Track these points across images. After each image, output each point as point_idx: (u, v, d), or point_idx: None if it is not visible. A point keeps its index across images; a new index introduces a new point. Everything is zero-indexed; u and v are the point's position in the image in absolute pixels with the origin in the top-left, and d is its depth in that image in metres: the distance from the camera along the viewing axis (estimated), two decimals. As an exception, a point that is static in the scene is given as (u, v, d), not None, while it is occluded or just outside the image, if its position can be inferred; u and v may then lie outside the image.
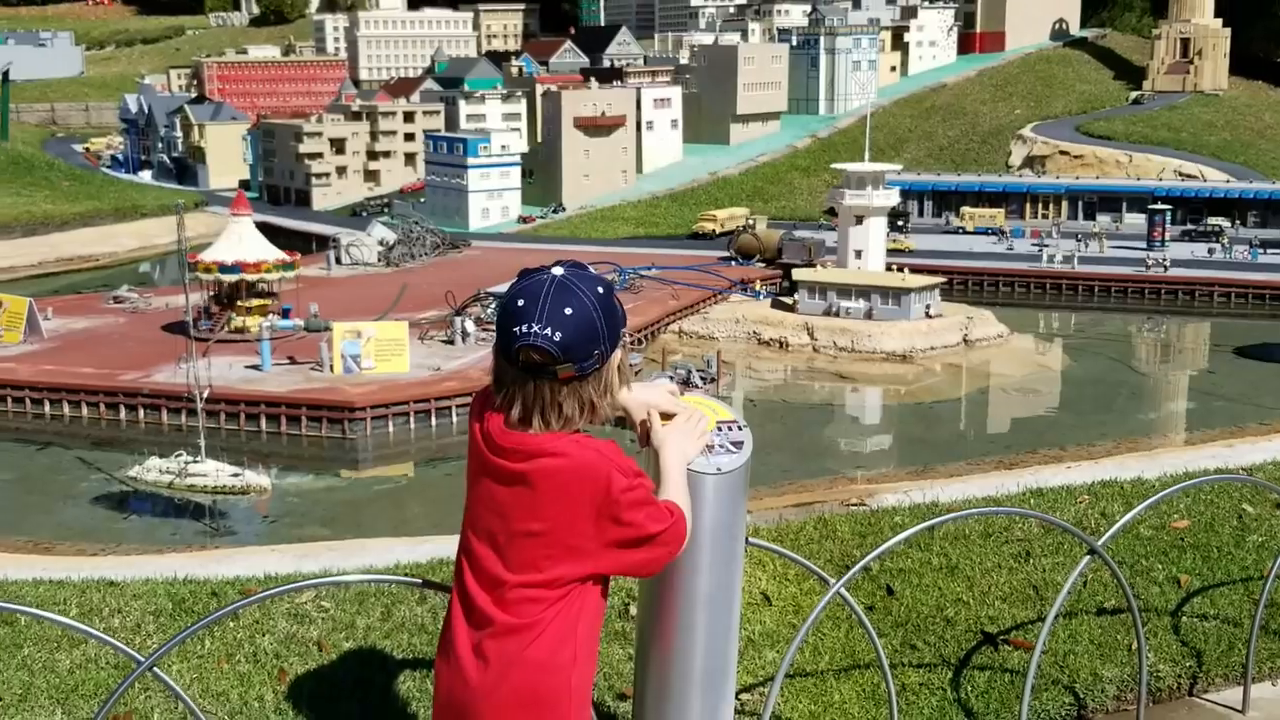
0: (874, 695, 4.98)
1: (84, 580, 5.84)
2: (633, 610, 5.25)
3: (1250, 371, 59.87)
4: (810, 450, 48.74)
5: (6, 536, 37.50)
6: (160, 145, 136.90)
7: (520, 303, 3.20)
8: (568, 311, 3.18)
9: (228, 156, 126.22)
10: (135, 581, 5.91)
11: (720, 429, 3.72)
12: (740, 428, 3.75)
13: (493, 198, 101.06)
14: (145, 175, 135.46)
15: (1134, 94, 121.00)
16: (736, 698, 4.38)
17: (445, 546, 6.28)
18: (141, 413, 51.30)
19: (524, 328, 3.18)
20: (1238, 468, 7.06)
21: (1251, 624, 5.23)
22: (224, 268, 56.02)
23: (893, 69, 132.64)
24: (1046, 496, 7.76)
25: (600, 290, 3.27)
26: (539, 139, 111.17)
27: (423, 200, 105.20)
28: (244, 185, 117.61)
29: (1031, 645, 5.59)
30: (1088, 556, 5.01)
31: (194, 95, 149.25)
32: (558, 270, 3.26)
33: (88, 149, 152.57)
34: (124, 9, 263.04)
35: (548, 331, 3.17)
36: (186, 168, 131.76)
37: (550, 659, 3.37)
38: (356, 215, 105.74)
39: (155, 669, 3.76)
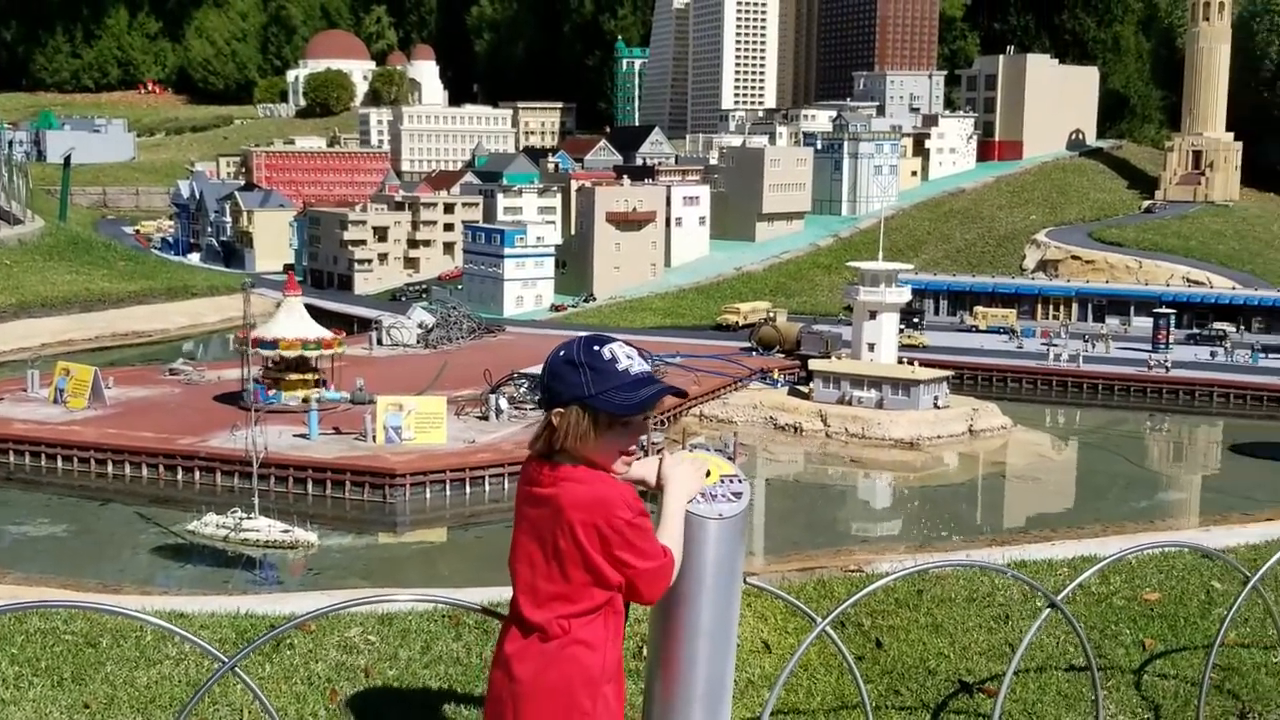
0: (859, 733, 5.32)
1: (156, 610, 6.18)
2: (644, 651, 5.65)
3: (1244, 468, 62.62)
4: (819, 526, 51.98)
5: (75, 579, 41.20)
6: (210, 229, 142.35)
7: None
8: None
9: (274, 241, 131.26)
10: (202, 614, 6.32)
11: (723, 481, 4.18)
12: (740, 480, 4.20)
13: (527, 286, 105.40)
14: (194, 258, 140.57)
15: (1146, 203, 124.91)
16: None
17: (477, 595, 6.79)
18: (197, 474, 54.89)
19: None
20: (1212, 548, 7.45)
21: (1201, 684, 5.60)
22: (267, 344, 60.15)
23: (914, 174, 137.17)
24: (1029, 567, 8.14)
25: (561, 353, 4.16)
26: (572, 232, 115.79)
27: (460, 287, 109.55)
28: (289, 269, 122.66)
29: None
30: (1048, 610, 5.45)
31: (242, 182, 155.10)
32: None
33: (138, 231, 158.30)
34: (174, 98, 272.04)
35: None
36: (234, 251, 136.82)
37: (581, 657, 3.99)
38: (396, 300, 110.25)
39: (237, 670, 4.16)
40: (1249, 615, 6.77)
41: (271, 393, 61.15)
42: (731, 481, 4.20)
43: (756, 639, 6.22)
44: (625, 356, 4.06)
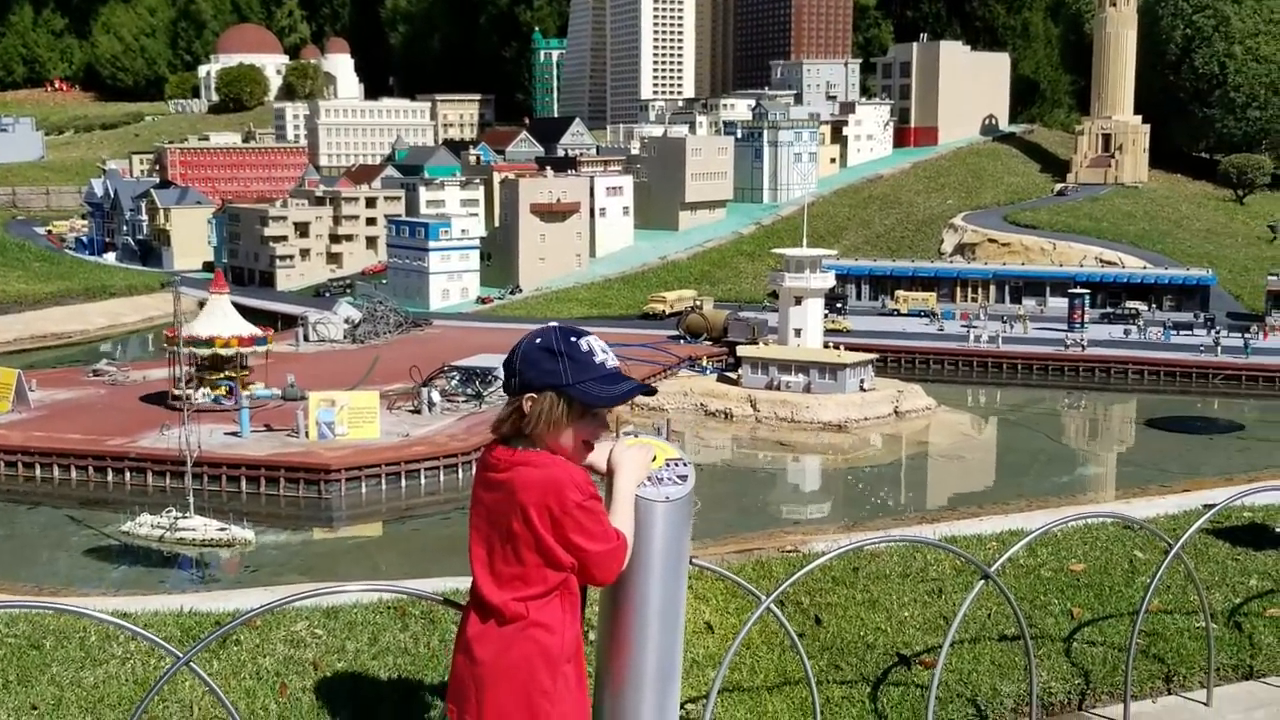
0: (802, 707, 5.52)
1: (99, 611, 5.94)
2: (591, 636, 5.69)
3: (1158, 441, 64.64)
4: (753, 509, 52.80)
5: (8, 583, 40.83)
6: (125, 228, 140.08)
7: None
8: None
9: (192, 239, 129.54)
10: (145, 613, 6.25)
11: (668, 465, 4.28)
12: (685, 464, 4.30)
13: (453, 279, 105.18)
14: (110, 257, 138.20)
15: (1059, 186, 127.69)
16: (681, 708, 4.75)
17: (426, 585, 6.80)
18: (128, 475, 54.37)
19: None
20: (1134, 518, 7.70)
21: (1129, 650, 5.77)
22: (200, 342, 59.82)
23: (832, 161, 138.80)
24: (959, 542, 8.19)
25: (537, 340, 4.22)
26: (496, 224, 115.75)
27: (384, 281, 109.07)
28: (208, 267, 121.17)
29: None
30: (981, 582, 5.62)
31: (157, 180, 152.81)
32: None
33: (51, 231, 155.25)
34: (83, 95, 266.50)
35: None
36: (151, 250, 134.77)
37: (540, 638, 4.11)
38: (320, 295, 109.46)
39: (191, 664, 4.25)
40: (1170, 583, 6.97)
41: (255, 387, 61.26)
42: (677, 465, 4.29)
43: (699, 620, 6.34)
44: (600, 350, 4.19)
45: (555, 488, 4.03)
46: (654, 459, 4.28)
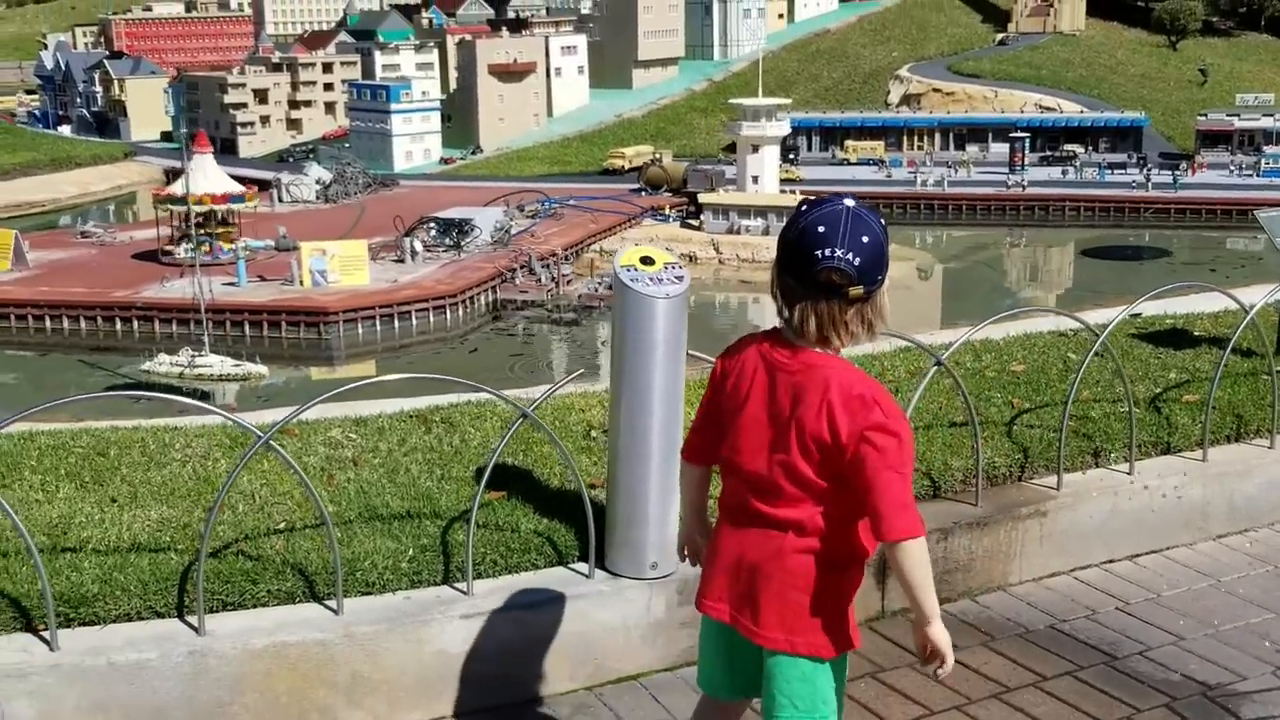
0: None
1: (152, 426, 6.38)
2: (593, 434, 6.21)
3: (1093, 268, 69.67)
4: (721, 337, 57.14)
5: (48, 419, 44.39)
6: (79, 100, 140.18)
7: (821, 229, 3.37)
8: (864, 239, 3.35)
9: (149, 109, 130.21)
10: (194, 426, 6.48)
11: (666, 268, 4.74)
12: (680, 268, 4.78)
13: (415, 141, 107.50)
14: (65, 130, 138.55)
15: (1000, 35, 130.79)
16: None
17: (436, 399, 7.20)
18: (135, 324, 57.64)
19: (826, 251, 3.35)
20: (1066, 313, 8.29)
21: (1061, 430, 6.34)
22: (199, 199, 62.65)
23: (780, 16, 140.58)
24: (912, 352, 8.28)
25: (882, 223, 3.44)
26: (451, 86, 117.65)
27: (347, 145, 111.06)
28: (166, 137, 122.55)
29: None
30: (935, 367, 6.05)
31: (106, 52, 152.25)
32: (849, 202, 3.41)
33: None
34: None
35: (849, 256, 3.33)
36: (108, 121, 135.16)
37: None
38: (283, 161, 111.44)
39: (273, 443, 4.59)
40: (1100, 378, 7.44)
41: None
42: (674, 268, 4.74)
43: (692, 411, 6.44)
44: None
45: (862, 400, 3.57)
46: (653, 263, 4.75)
